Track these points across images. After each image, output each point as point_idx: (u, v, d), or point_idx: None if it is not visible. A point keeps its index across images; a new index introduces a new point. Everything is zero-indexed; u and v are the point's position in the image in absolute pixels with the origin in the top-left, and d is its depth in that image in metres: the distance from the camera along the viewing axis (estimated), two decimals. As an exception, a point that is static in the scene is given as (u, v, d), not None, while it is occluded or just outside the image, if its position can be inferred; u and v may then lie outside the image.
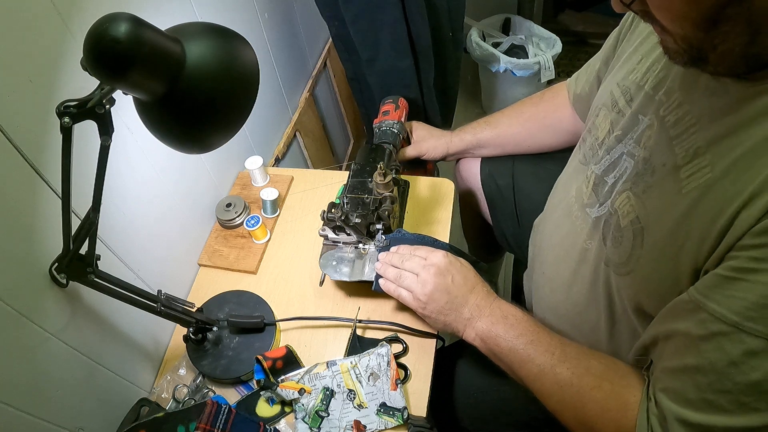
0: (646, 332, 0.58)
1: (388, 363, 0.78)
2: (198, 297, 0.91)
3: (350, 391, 0.77)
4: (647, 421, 0.54)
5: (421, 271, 0.74)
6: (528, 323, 0.69)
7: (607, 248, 0.64)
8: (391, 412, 0.74)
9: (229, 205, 1.00)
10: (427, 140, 1.10)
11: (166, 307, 0.73)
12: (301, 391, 0.76)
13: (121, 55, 0.43)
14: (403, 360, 0.81)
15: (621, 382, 0.60)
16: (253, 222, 0.97)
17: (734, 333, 0.45)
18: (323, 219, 0.80)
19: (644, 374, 0.59)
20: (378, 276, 0.81)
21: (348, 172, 0.92)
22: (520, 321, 0.69)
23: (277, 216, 1.04)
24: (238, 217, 1.00)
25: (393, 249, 0.81)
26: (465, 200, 1.23)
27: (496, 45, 2.05)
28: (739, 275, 0.45)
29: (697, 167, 0.50)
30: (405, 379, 0.79)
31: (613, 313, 0.66)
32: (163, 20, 0.51)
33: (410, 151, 1.09)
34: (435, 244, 0.84)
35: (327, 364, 0.79)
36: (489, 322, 0.70)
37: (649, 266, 0.56)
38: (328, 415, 0.75)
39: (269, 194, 1.02)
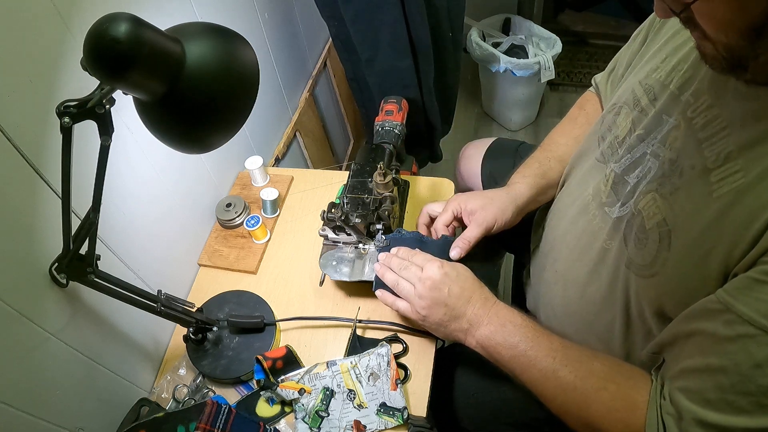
0: (666, 330, 0.57)
1: (388, 363, 0.78)
2: (198, 297, 0.91)
3: (350, 391, 0.77)
4: (660, 420, 0.54)
5: (418, 284, 0.73)
6: (527, 329, 0.68)
7: (628, 250, 0.63)
8: (391, 412, 0.74)
9: (229, 205, 1.00)
10: (486, 208, 0.82)
11: (166, 307, 0.73)
12: (301, 391, 0.76)
13: (121, 55, 0.43)
14: (403, 360, 0.81)
15: (627, 383, 0.60)
16: (253, 222, 0.97)
17: (761, 336, 0.45)
18: (323, 219, 0.80)
19: (653, 374, 0.59)
20: (378, 277, 0.81)
21: (348, 172, 0.92)
22: (519, 327, 0.68)
23: (277, 216, 1.04)
24: (238, 217, 1.00)
25: (393, 251, 0.81)
26: (465, 200, 1.23)
27: (496, 45, 2.05)
28: None
29: (729, 172, 0.50)
30: (405, 379, 0.79)
31: (629, 315, 0.66)
32: (163, 20, 0.51)
33: (475, 231, 0.81)
34: (435, 243, 0.83)
35: (327, 364, 0.79)
36: (488, 330, 0.69)
37: (675, 269, 0.56)
38: (328, 415, 0.75)
39: (269, 194, 1.02)
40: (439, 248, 0.81)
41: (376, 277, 0.81)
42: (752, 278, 0.46)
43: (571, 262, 0.77)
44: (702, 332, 0.51)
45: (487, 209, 0.81)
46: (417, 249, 0.80)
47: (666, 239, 0.57)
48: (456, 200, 0.84)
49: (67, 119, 0.48)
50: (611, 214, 0.68)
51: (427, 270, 0.74)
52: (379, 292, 0.79)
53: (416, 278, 0.74)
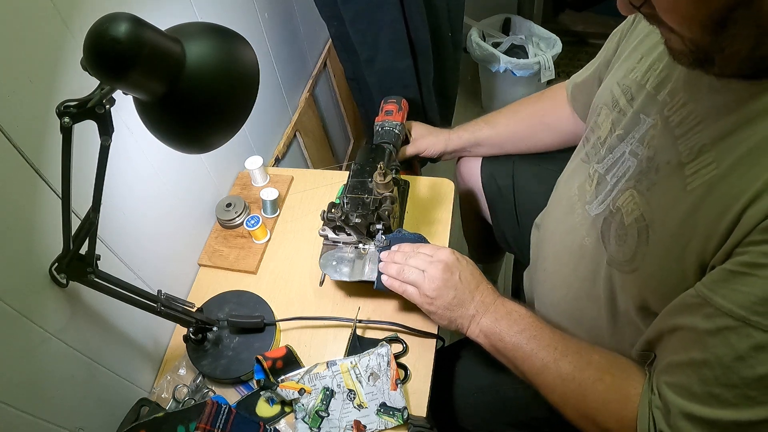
0: (651, 327, 0.58)
1: (388, 363, 0.78)
2: (198, 297, 0.91)
3: (350, 391, 0.77)
4: (649, 413, 0.54)
5: (428, 267, 0.74)
6: (531, 319, 0.69)
7: (610, 246, 0.64)
8: (391, 412, 0.74)
9: (229, 205, 1.00)
10: (425, 137, 1.11)
11: (166, 307, 0.73)
12: (301, 391, 0.76)
13: (121, 55, 0.43)
14: (403, 360, 0.81)
15: (622, 375, 0.60)
16: (253, 222, 0.97)
17: (741, 327, 0.45)
18: (323, 219, 0.80)
19: (646, 369, 0.60)
20: (380, 274, 0.81)
21: (348, 172, 0.92)
22: (523, 317, 0.69)
23: (277, 216, 1.04)
24: (238, 217, 1.00)
25: (395, 247, 0.81)
26: (465, 200, 1.23)
27: (496, 45, 2.05)
28: (747, 270, 0.45)
29: (702, 164, 0.51)
30: (405, 379, 0.79)
31: (615, 311, 0.66)
32: (163, 20, 0.51)
33: (409, 150, 1.10)
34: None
35: (327, 364, 0.79)
36: (493, 318, 0.70)
37: (654, 263, 0.56)
38: (328, 415, 0.75)
39: (269, 194, 1.02)
40: None
41: (379, 274, 0.81)
42: (728, 270, 0.47)
43: (557, 261, 0.78)
44: (684, 327, 0.51)
45: (423, 139, 1.11)
46: (422, 243, 0.81)
47: (644, 234, 0.57)
48: (415, 126, 1.14)
49: (67, 119, 0.48)
50: (590, 212, 0.69)
51: (439, 255, 0.75)
52: (385, 277, 0.78)
53: (426, 263, 0.75)
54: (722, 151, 0.49)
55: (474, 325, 0.72)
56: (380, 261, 0.81)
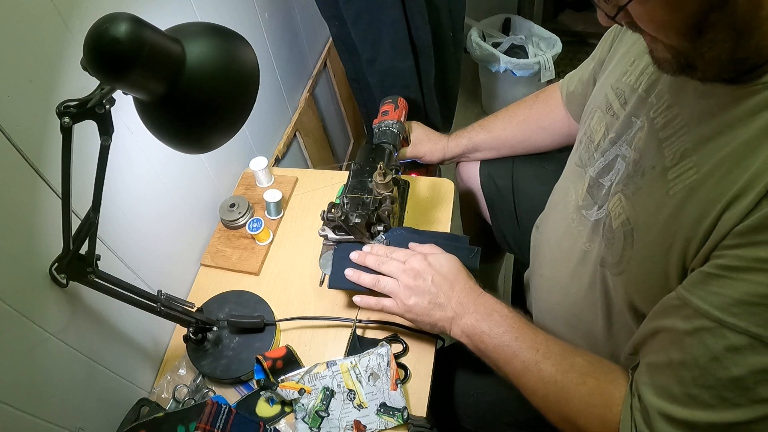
0: (638, 331, 0.58)
1: (388, 363, 0.78)
2: (198, 297, 0.91)
3: (350, 391, 0.77)
4: (631, 416, 0.54)
5: (401, 276, 0.73)
6: (513, 320, 0.68)
7: (602, 248, 0.64)
8: (391, 412, 0.74)
9: (232, 205, 1.00)
10: (424, 143, 1.11)
11: (166, 307, 0.73)
12: (301, 391, 0.76)
13: (122, 55, 0.43)
14: (403, 360, 0.81)
15: (606, 378, 0.60)
16: (255, 225, 0.96)
17: (717, 328, 0.46)
18: (323, 219, 0.80)
19: (630, 372, 0.59)
20: (335, 273, 0.80)
21: (348, 172, 0.92)
22: (505, 317, 0.68)
23: (281, 217, 1.04)
24: (241, 217, 1.00)
25: (366, 248, 0.81)
26: (465, 201, 1.23)
27: (496, 45, 2.05)
28: (722, 273, 0.46)
29: (684, 169, 0.51)
30: (405, 379, 0.79)
31: (610, 314, 0.67)
32: (163, 20, 0.51)
33: (409, 152, 1.11)
34: (429, 236, 0.83)
35: (327, 364, 0.79)
36: (474, 319, 0.69)
37: (639, 266, 0.57)
38: (328, 415, 0.75)
39: (272, 196, 1.02)
40: (435, 238, 0.81)
41: (332, 273, 0.81)
42: (705, 273, 0.47)
43: (554, 265, 0.78)
44: (664, 329, 0.52)
45: (422, 145, 1.11)
46: (395, 247, 0.80)
47: (629, 238, 0.58)
48: (414, 128, 1.14)
49: (67, 119, 0.48)
50: (589, 217, 0.69)
51: (411, 262, 0.74)
52: (357, 298, 0.78)
53: (399, 271, 0.74)
54: (703, 155, 0.49)
55: (455, 326, 0.71)
56: (336, 259, 0.81)
